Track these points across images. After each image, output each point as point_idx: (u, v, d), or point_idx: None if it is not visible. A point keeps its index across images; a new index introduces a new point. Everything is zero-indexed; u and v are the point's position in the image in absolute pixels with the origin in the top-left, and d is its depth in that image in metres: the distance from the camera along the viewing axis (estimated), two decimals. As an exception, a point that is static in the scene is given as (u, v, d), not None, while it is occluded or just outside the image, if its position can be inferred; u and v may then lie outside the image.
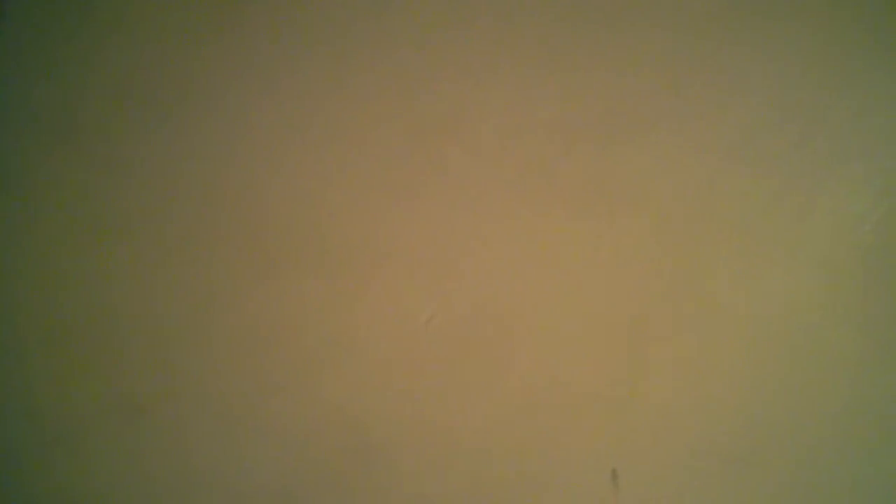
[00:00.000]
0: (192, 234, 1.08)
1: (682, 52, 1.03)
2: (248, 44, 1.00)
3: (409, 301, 1.09)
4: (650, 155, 1.05)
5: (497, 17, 1.00)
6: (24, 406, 1.13)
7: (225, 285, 1.09)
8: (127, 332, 1.11)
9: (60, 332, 1.12)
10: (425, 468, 1.11)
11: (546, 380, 1.10)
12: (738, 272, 1.07)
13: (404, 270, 1.08)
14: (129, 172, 1.07)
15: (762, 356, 1.08)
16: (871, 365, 1.08)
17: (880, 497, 1.10)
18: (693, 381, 1.09)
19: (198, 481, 1.13)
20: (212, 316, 1.10)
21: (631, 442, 1.09)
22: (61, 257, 1.10)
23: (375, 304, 1.09)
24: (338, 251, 1.08)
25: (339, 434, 1.11)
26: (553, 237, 1.08)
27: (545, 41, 1.00)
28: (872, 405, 1.08)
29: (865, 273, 1.06)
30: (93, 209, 1.09)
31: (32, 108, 1.08)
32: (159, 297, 1.10)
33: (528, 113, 1.03)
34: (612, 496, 1.10)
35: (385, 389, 1.11)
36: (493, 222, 1.07)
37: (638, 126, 1.05)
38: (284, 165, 1.07)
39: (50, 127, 1.08)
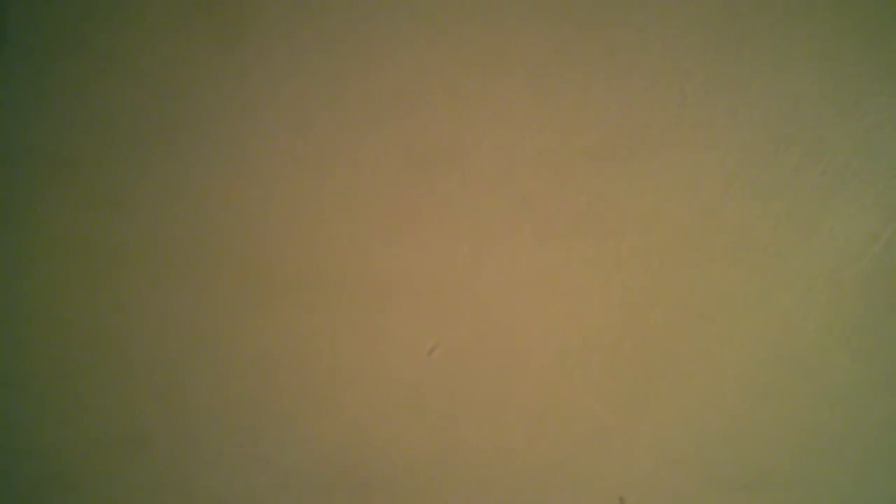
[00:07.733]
0: (190, 268, 1.08)
1: (681, 74, 1.02)
2: (243, 76, 0.99)
3: (412, 332, 1.08)
4: (650, 180, 1.04)
5: (491, 44, 0.99)
6: (27, 441, 1.13)
7: (225, 320, 1.08)
8: (128, 366, 1.11)
9: (61, 367, 1.11)
10: (427, 500, 1.10)
11: (551, 409, 1.09)
12: (742, 296, 1.06)
13: (405, 302, 1.07)
14: (127, 206, 1.07)
15: (767, 381, 1.07)
16: (875, 388, 1.06)
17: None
18: (698, 408, 1.08)
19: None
20: (212, 350, 1.10)
21: (638, 470, 1.08)
22: (60, 293, 1.10)
23: (378, 336, 1.08)
24: (339, 284, 1.07)
25: (340, 466, 1.10)
26: (554, 265, 1.06)
27: (541, 69, 0.99)
28: (875, 429, 1.07)
29: (872, 296, 1.04)
30: (91, 244, 1.08)
31: (30, 143, 1.08)
32: (159, 332, 1.10)
33: (526, 140, 1.02)
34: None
35: (388, 421, 1.10)
36: (493, 251, 1.06)
37: (639, 151, 1.03)
38: (282, 196, 1.06)
39: (48, 161, 1.07)
